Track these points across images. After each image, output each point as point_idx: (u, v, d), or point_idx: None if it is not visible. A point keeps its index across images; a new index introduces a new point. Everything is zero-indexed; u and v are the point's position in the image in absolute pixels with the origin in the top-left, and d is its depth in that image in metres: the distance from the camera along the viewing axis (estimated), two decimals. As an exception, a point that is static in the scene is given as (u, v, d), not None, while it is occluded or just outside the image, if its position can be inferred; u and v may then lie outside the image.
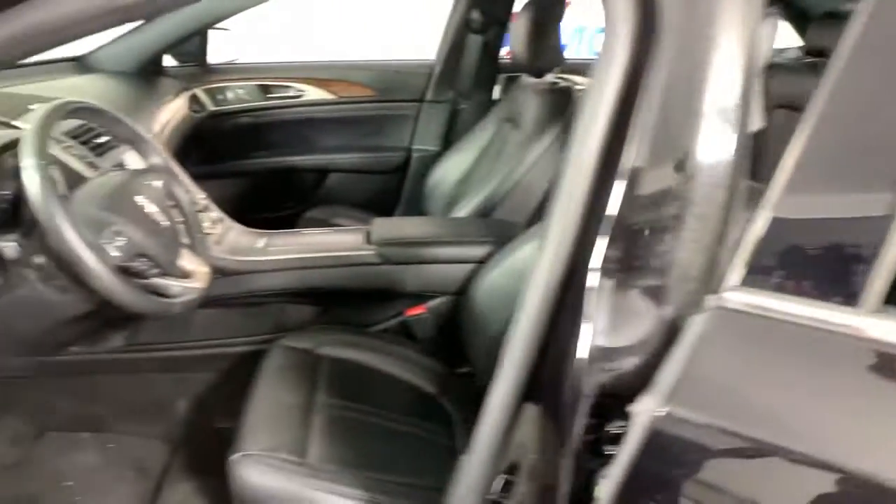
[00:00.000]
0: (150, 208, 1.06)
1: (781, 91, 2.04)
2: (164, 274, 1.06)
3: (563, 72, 1.83)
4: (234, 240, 1.54)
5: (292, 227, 2.11)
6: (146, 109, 1.78)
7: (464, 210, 1.76)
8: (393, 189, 2.41)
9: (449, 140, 2.31)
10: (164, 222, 1.07)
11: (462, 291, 1.52)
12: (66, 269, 0.99)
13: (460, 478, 0.83)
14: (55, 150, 1.21)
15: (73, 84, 1.75)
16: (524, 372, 0.75)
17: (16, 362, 1.48)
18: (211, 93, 2.18)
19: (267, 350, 1.39)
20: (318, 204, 2.36)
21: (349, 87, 2.27)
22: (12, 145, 0.99)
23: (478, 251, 1.51)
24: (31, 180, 0.87)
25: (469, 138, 2.08)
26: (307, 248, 1.52)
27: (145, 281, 1.02)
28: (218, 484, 1.44)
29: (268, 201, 2.39)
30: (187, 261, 1.15)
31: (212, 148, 2.26)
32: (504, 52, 2.28)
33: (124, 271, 0.98)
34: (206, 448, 1.52)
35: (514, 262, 1.37)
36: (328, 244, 1.55)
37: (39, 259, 0.98)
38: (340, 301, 1.57)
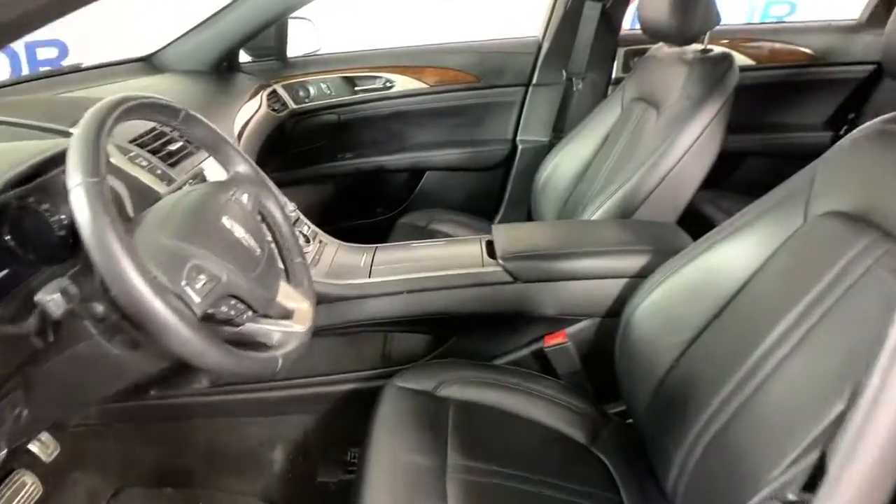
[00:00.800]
0: (239, 232, 0.80)
1: None
2: (259, 317, 0.80)
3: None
4: (331, 259, 1.29)
5: (386, 234, 1.87)
6: (223, 110, 1.56)
7: (596, 211, 1.44)
8: (497, 187, 2.11)
9: (561, 128, 1.98)
10: (257, 249, 0.81)
11: (612, 314, 1.20)
12: (134, 322, 0.75)
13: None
14: (118, 161, 0.98)
15: (142, 85, 1.55)
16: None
17: (88, 409, 1.28)
18: (291, 89, 1.95)
19: (377, 391, 1.14)
20: (413, 208, 2.09)
21: (444, 74, 1.99)
22: (51, 164, 0.77)
23: (631, 263, 1.20)
24: (81, 204, 0.62)
25: (587, 125, 1.75)
26: (419, 266, 1.24)
27: (237, 329, 0.77)
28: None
29: (358, 207, 2.15)
30: (286, 296, 0.89)
31: (294, 150, 2.04)
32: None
33: (209, 319, 0.72)
34: (309, 507, 1.28)
35: (685, 277, 1.05)
36: (443, 260, 1.26)
37: (99, 307, 0.74)
38: (461, 329, 1.28)
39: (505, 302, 1.22)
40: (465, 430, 1.05)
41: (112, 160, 0.98)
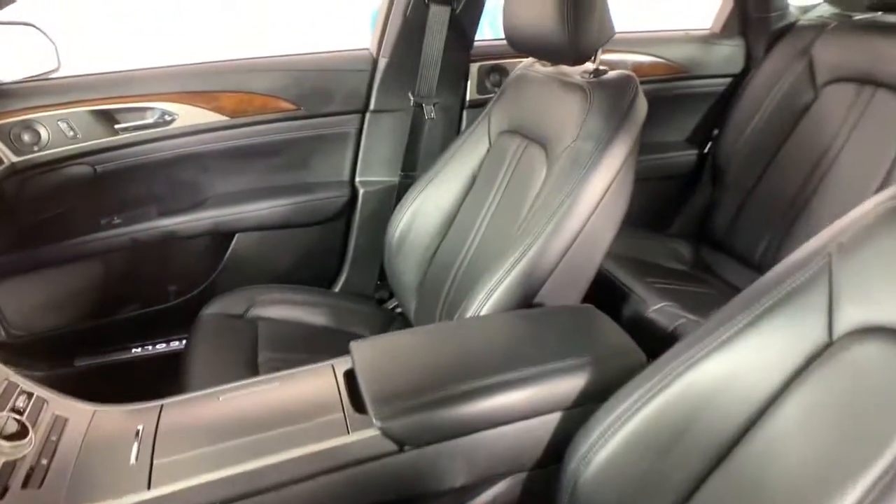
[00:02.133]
0: None
1: (830, 60, 1.52)
2: None
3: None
4: (74, 451, 0.73)
5: (188, 322, 1.32)
6: None
7: (486, 298, 1.03)
8: (336, 245, 1.63)
9: (411, 166, 1.56)
10: None
11: (545, 463, 0.83)
12: None
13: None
14: None
15: None
16: None
17: None
18: (9, 132, 1.28)
19: None
20: (223, 283, 1.53)
21: (248, 101, 1.45)
22: None
23: (564, 387, 0.83)
24: None
25: (447, 163, 1.37)
26: (240, 448, 0.74)
27: None
28: None
29: (140, 291, 1.53)
30: None
31: (27, 221, 1.37)
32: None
33: None
34: None
35: (659, 415, 0.72)
36: (282, 423, 0.77)
37: None
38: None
39: (391, 481, 0.77)
40: None
41: None
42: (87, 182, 1.39)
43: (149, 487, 0.69)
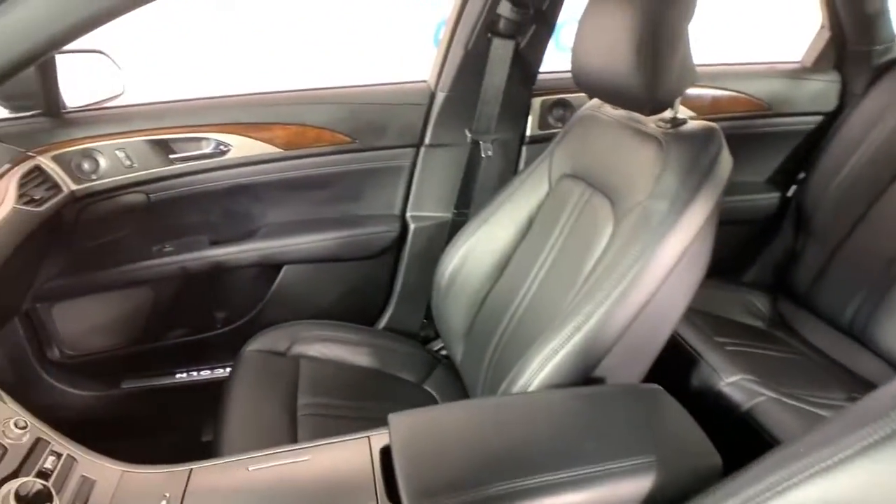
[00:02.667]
0: None
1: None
2: None
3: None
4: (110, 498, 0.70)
5: (230, 354, 1.32)
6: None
7: (541, 367, 0.93)
8: (383, 281, 1.58)
9: (465, 203, 1.49)
10: None
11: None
12: None
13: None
14: None
15: None
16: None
17: None
18: (67, 162, 1.29)
19: None
20: (268, 314, 1.51)
21: (302, 134, 1.42)
22: None
23: (631, 489, 0.72)
24: None
25: (503, 203, 1.28)
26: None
27: None
28: None
29: (187, 318, 1.53)
30: None
31: (84, 246, 1.38)
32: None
33: None
34: None
35: None
36: (309, 492, 0.72)
37: None
38: None
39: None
40: None
41: None
42: (141, 210, 1.39)
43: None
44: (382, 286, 1.58)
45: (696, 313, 1.40)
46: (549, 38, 1.41)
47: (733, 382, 1.17)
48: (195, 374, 1.55)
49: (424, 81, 1.50)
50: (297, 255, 1.49)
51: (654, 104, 0.97)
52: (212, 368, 1.55)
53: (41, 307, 1.41)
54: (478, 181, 1.46)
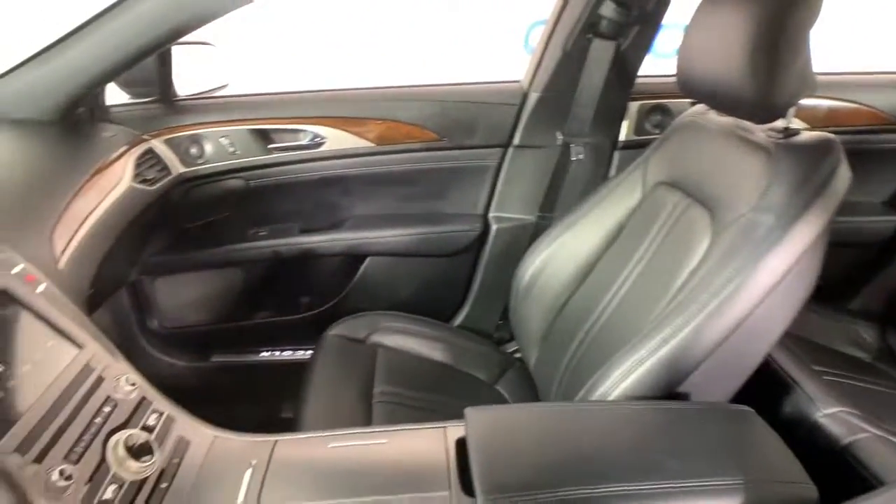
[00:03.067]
0: None
1: None
2: None
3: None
4: (192, 478, 0.74)
5: (315, 334, 1.36)
6: (52, 194, 1.00)
7: (619, 374, 0.91)
8: (462, 279, 1.58)
9: (550, 207, 1.47)
10: None
11: None
12: None
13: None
14: None
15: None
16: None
17: None
18: (178, 145, 1.38)
19: None
20: (349, 302, 1.55)
21: (394, 130, 1.45)
22: None
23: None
24: None
25: (592, 209, 1.25)
26: (343, 491, 0.70)
27: None
28: None
29: (276, 300, 1.60)
30: None
31: (186, 226, 1.47)
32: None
33: None
34: None
35: None
36: (381, 488, 0.73)
37: None
38: None
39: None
40: None
41: None
42: (240, 195, 1.46)
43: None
44: (460, 284, 1.58)
45: (793, 339, 1.31)
46: (652, 40, 1.37)
47: (831, 414, 1.08)
48: (278, 353, 1.61)
49: (517, 82, 1.49)
50: (380, 247, 1.52)
51: (767, 112, 0.91)
52: (293, 350, 1.61)
53: (146, 280, 1.52)
54: (565, 185, 1.44)
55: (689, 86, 1.04)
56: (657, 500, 0.69)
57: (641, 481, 0.70)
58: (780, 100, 0.88)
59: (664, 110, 1.47)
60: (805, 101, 1.43)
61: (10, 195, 0.95)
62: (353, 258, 1.55)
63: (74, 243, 0.98)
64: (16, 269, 0.80)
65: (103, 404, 0.76)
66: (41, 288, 0.81)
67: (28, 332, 0.74)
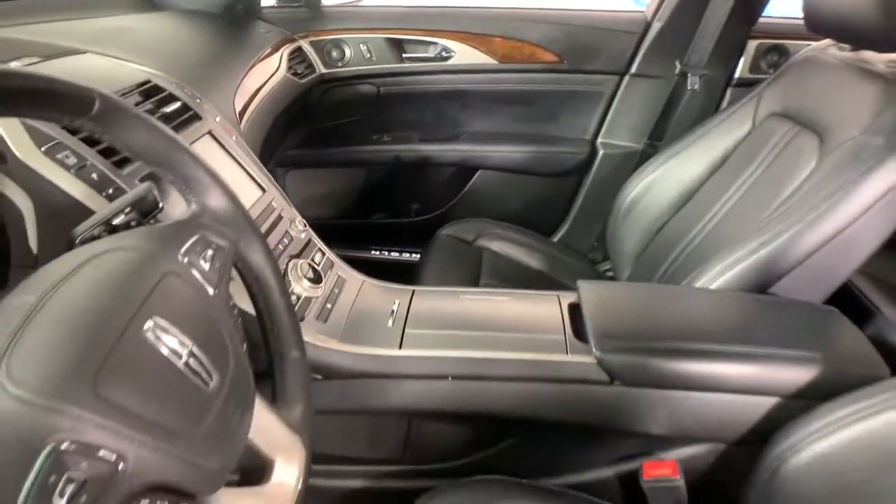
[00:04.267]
0: (176, 346, 0.42)
1: None
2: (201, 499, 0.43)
3: None
4: (349, 308, 0.92)
5: (421, 240, 1.50)
6: (229, 66, 1.18)
7: (718, 275, 1.01)
8: (564, 199, 1.70)
9: (659, 136, 1.55)
10: (212, 377, 0.43)
11: (747, 441, 0.82)
12: None
13: None
14: (25, 154, 0.60)
15: (126, 25, 1.16)
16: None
17: None
18: (322, 47, 1.54)
19: (394, 493, 0.89)
20: (457, 211, 1.70)
21: (518, 49, 1.55)
22: None
23: (787, 375, 0.80)
24: None
25: (700, 138, 1.32)
26: (473, 340, 0.86)
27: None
28: None
29: (392, 203, 1.76)
30: (262, 433, 0.51)
31: (320, 125, 1.64)
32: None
33: None
34: None
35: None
36: (509, 331, 0.88)
37: None
38: (519, 433, 0.91)
39: (594, 408, 0.84)
40: None
41: (16, 151, 0.61)
42: (371, 100, 1.61)
43: (400, 347, 0.84)
44: (562, 204, 1.70)
45: (882, 282, 1.36)
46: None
47: None
48: (386, 253, 1.79)
49: (642, 12, 1.55)
50: (492, 161, 1.65)
51: (890, 39, 0.96)
52: (400, 251, 1.78)
53: (278, 171, 1.71)
54: (676, 116, 1.51)
55: (815, 19, 1.09)
56: (742, 361, 0.81)
57: (730, 344, 0.82)
58: None
59: (781, 51, 1.51)
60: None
61: (198, 64, 1.13)
62: (465, 170, 1.68)
63: (248, 112, 1.16)
64: (218, 118, 0.98)
65: (283, 237, 0.94)
66: (234, 137, 0.99)
67: (224, 172, 0.91)
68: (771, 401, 0.81)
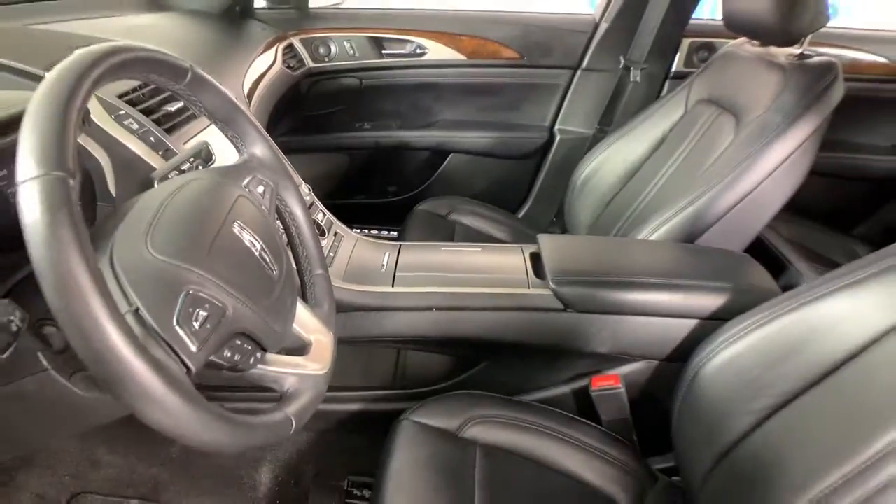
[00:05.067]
0: (253, 243, 0.60)
1: None
2: (268, 356, 0.60)
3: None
4: (348, 256, 1.10)
5: (399, 217, 1.68)
6: (232, 61, 1.34)
7: (654, 230, 1.23)
8: (526, 179, 1.91)
9: (608, 121, 1.77)
10: (274, 267, 0.61)
11: (674, 358, 1.03)
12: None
13: None
14: (102, 121, 0.77)
15: (140, 23, 1.31)
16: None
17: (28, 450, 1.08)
18: (310, 44, 1.71)
19: (384, 416, 0.99)
20: (431, 191, 1.89)
21: (484, 46, 1.75)
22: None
23: (705, 301, 1.01)
24: (36, 212, 0.41)
25: (641, 122, 1.54)
26: (451, 279, 1.05)
27: (239, 375, 0.57)
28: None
29: (372, 184, 1.94)
30: (302, 323, 0.69)
31: (308, 114, 1.81)
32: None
33: (213, 366, 0.53)
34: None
35: (780, 332, 0.86)
36: (481, 273, 1.07)
37: (54, 330, 0.54)
38: (492, 356, 1.10)
39: (551, 332, 1.04)
40: (492, 479, 0.89)
41: (95, 119, 0.77)
42: (353, 92, 1.79)
43: (392, 286, 1.02)
44: (525, 183, 1.91)
45: (796, 244, 1.60)
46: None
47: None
48: (367, 231, 1.97)
49: (591, 14, 1.77)
50: (462, 146, 1.85)
51: (788, 36, 1.19)
52: (380, 230, 1.96)
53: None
54: (622, 105, 1.73)
55: (732, 21, 1.33)
56: (670, 291, 1.02)
57: (660, 277, 1.03)
58: (796, 28, 1.17)
59: (710, 48, 1.74)
60: (831, 51, 1.69)
61: (207, 56, 1.29)
62: (438, 153, 1.88)
63: (253, 100, 1.33)
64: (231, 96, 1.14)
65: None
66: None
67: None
68: (692, 322, 1.02)
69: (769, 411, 0.81)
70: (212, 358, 0.51)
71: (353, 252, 1.12)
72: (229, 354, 0.54)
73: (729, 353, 0.90)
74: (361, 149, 1.86)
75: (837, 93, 1.17)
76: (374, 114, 1.83)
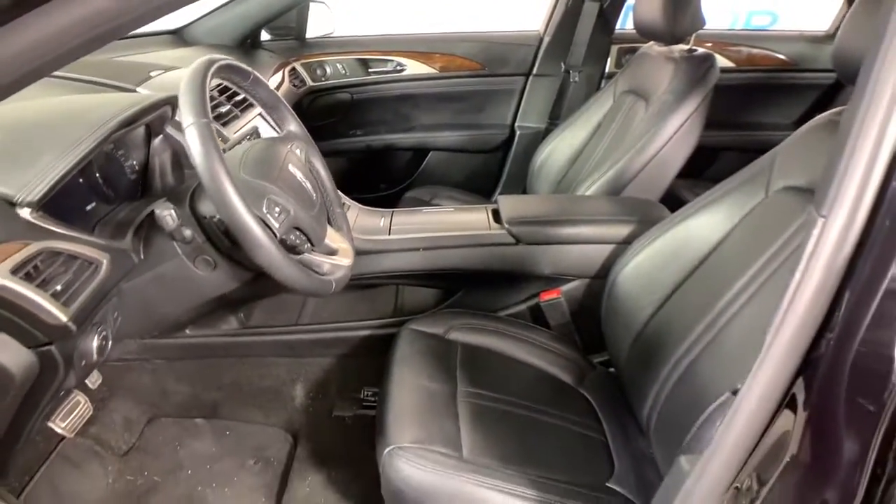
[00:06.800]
0: (300, 177, 0.96)
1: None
2: (314, 249, 0.96)
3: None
4: (353, 219, 1.45)
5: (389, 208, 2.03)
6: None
7: (589, 188, 1.61)
8: (495, 169, 2.28)
9: (556, 116, 2.16)
10: (314, 193, 0.98)
11: (601, 275, 1.38)
12: (222, 242, 0.90)
13: (686, 482, 0.68)
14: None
15: (176, 56, 1.68)
16: (786, 375, 0.60)
17: (129, 346, 1.42)
18: (310, 67, 2.09)
19: (390, 338, 1.31)
20: (416, 185, 2.25)
21: (451, 61, 2.14)
22: (142, 114, 0.92)
23: (619, 231, 1.37)
24: (195, 140, 0.77)
25: (581, 114, 1.93)
26: (433, 227, 1.41)
27: (298, 257, 0.93)
28: (343, 476, 1.37)
29: (364, 181, 2.30)
30: (331, 237, 1.05)
31: (310, 125, 2.15)
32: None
33: (281, 244, 0.88)
34: (327, 438, 1.44)
35: (663, 244, 1.21)
36: (454, 223, 1.43)
37: (188, 231, 0.90)
38: (468, 284, 1.46)
39: (508, 261, 1.39)
40: (470, 367, 1.21)
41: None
42: (346, 105, 2.17)
43: (389, 234, 1.38)
44: (494, 172, 2.28)
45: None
46: (623, 3, 2.04)
47: None
48: None
49: (536, 30, 2.17)
50: (439, 144, 2.23)
51: (674, 36, 1.58)
52: None
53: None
54: (567, 101, 2.12)
55: (640, 27, 1.72)
56: (595, 225, 1.38)
57: (588, 216, 1.40)
58: (681, 29, 1.56)
59: (634, 52, 2.14)
60: (732, 48, 2.09)
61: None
62: (420, 152, 2.26)
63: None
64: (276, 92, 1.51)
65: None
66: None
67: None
68: (611, 247, 1.37)
69: (663, 300, 1.14)
70: (282, 236, 0.87)
71: (357, 217, 1.48)
72: (293, 238, 0.89)
73: (633, 263, 1.24)
74: (355, 152, 2.23)
75: (713, 77, 1.56)
76: (364, 122, 2.21)
